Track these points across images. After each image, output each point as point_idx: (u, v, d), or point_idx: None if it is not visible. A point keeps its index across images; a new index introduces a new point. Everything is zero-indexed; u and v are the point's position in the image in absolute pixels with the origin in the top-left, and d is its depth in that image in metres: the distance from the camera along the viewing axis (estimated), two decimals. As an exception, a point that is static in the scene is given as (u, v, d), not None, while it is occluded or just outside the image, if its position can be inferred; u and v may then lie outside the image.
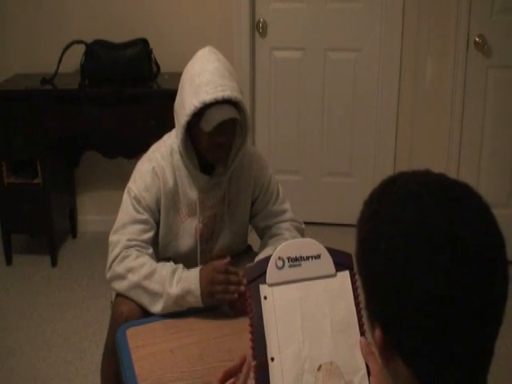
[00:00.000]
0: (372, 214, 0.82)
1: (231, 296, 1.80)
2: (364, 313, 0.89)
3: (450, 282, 0.74)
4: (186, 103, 1.81)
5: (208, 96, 1.77)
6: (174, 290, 1.80)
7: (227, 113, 1.79)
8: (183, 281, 1.81)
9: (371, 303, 0.83)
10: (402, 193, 0.80)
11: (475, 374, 0.79)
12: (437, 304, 0.75)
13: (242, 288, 1.77)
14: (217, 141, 1.84)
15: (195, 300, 1.81)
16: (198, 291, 1.79)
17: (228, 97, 1.78)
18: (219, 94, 1.77)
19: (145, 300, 1.84)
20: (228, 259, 1.87)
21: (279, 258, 1.19)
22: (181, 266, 1.88)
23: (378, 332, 0.81)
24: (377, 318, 0.82)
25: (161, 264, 1.88)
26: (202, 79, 1.79)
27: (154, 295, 1.83)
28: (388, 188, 0.83)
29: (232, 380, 1.13)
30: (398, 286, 0.77)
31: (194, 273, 1.83)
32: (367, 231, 0.82)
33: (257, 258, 1.94)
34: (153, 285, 1.83)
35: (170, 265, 1.87)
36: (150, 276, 1.83)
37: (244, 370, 1.11)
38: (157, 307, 1.83)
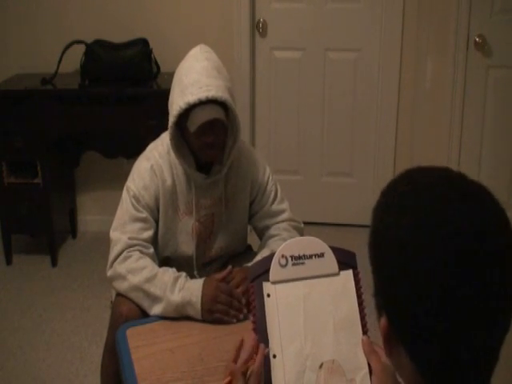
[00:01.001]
0: (386, 203, 0.83)
1: (229, 320, 1.81)
2: (370, 308, 0.89)
3: (456, 275, 0.74)
4: (174, 104, 1.82)
5: (192, 97, 1.77)
6: (175, 297, 1.80)
7: (211, 113, 1.79)
8: (185, 290, 1.81)
9: (379, 291, 0.84)
10: (416, 184, 0.81)
11: (477, 372, 0.79)
12: (440, 294, 0.75)
13: (241, 316, 1.81)
14: (205, 140, 1.85)
15: (195, 312, 1.81)
16: (198, 305, 1.80)
17: (213, 97, 1.77)
18: (203, 94, 1.77)
19: (144, 303, 1.84)
20: (229, 269, 1.89)
21: (283, 256, 1.19)
22: (183, 274, 1.87)
23: (383, 320, 0.82)
24: (383, 307, 0.82)
25: (162, 269, 1.88)
26: (189, 79, 1.80)
27: (154, 299, 1.83)
28: (404, 179, 0.84)
29: (248, 368, 1.12)
30: (405, 274, 0.77)
31: (197, 284, 1.83)
32: (381, 220, 0.83)
33: (255, 260, 1.94)
34: (153, 288, 1.82)
35: (172, 271, 1.87)
36: (151, 280, 1.83)
37: (258, 359, 1.11)
38: (156, 310, 1.83)
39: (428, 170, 0.84)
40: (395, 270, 0.78)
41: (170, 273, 1.86)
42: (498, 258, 0.76)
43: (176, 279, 1.84)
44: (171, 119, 1.82)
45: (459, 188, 0.80)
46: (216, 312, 1.80)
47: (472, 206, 0.78)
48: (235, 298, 1.83)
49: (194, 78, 1.79)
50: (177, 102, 1.80)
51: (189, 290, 1.81)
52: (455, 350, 0.76)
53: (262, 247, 2.06)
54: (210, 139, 1.85)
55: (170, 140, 1.87)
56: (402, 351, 0.81)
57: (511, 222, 0.80)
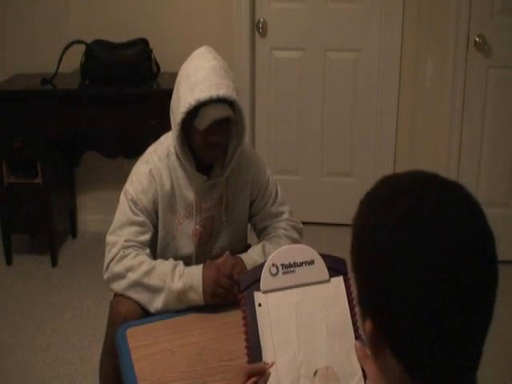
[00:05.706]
0: (365, 208, 0.84)
1: (228, 300, 1.81)
2: (358, 311, 0.90)
3: (436, 272, 0.75)
4: (182, 101, 1.80)
5: (203, 94, 1.75)
6: (177, 284, 1.81)
7: (221, 111, 1.78)
8: (186, 276, 1.82)
9: (363, 296, 0.84)
10: (394, 187, 0.83)
11: (463, 370, 0.80)
12: (423, 293, 0.75)
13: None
14: (211, 140, 1.84)
15: (197, 297, 1.81)
16: (200, 288, 1.80)
17: (223, 95, 1.77)
18: (214, 92, 1.75)
19: (145, 297, 1.84)
20: (227, 254, 1.89)
21: (273, 264, 1.19)
22: (181, 262, 1.88)
23: (368, 323, 0.82)
24: (367, 311, 0.83)
25: (159, 261, 1.88)
26: (198, 77, 1.78)
27: (155, 291, 1.83)
28: (381, 185, 0.86)
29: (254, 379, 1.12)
30: (387, 275, 0.78)
31: (197, 269, 1.84)
32: (361, 225, 0.84)
33: (244, 255, 1.94)
34: (153, 281, 1.82)
35: (169, 261, 1.88)
36: (149, 272, 1.84)
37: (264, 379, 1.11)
38: (157, 303, 1.83)
39: (403, 173, 0.86)
40: (378, 273, 0.79)
41: (167, 263, 1.87)
42: (483, 250, 0.77)
43: (174, 267, 1.84)
44: (179, 116, 1.80)
45: (434, 185, 0.81)
46: (217, 295, 1.81)
47: (447, 199, 0.79)
48: (235, 281, 1.82)
49: (203, 76, 1.78)
50: (185, 99, 1.78)
51: (189, 275, 1.82)
52: (442, 349, 0.77)
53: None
54: (216, 139, 1.83)
55: (176, 138, 1.85)
56: (388, 353, 0.81)
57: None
